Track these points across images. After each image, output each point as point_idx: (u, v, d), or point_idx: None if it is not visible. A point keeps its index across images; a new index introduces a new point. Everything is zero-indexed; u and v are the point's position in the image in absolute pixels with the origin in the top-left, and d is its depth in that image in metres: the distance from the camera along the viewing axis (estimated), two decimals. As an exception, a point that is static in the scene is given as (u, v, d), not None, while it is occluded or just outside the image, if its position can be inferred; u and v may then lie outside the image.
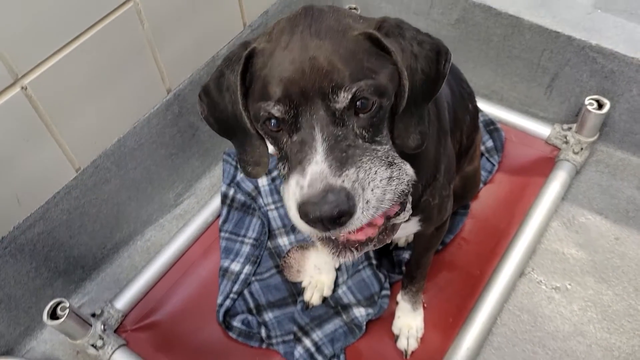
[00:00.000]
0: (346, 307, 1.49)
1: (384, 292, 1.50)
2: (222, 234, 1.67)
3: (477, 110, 1.36)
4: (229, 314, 1.52)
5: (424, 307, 1.49)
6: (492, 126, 1.80)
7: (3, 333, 1.44)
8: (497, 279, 1.50)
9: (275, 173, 1.77)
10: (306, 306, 1.51)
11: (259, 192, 1.74)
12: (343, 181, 0.75)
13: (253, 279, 1.58)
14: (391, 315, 1.48)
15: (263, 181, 1.76)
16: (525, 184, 1.71)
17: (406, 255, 1.56)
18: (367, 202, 0.77)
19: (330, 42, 0.80)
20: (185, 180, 1.79)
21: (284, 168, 0.84)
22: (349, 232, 0.80)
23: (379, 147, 0.82)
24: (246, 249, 1.64)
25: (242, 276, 1.58)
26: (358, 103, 0.79)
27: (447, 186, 1.11)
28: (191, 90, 1.64)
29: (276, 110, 0.79)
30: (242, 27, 1.72)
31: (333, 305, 1.51)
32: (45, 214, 1.40)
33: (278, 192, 1.73)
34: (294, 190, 0.78)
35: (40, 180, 1.35)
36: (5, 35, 1.13)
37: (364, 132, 0.80)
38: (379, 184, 0.78)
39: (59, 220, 1.44)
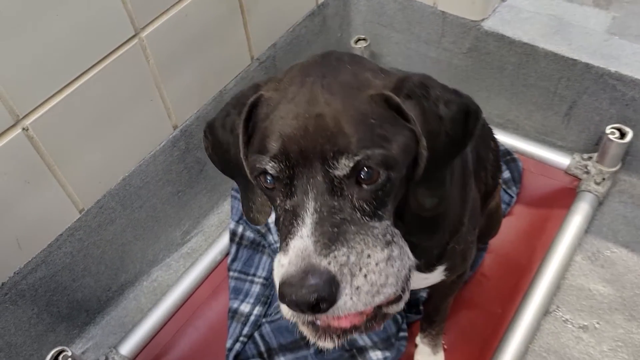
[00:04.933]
0: (362, 350, 1.42)
1: (402, 334, 1.43)
2: (231, 273, 1.61)
3: (498, 147, 1.30)
4: (239, 358, 1.45)
5: (444, 349, 1.41)
6: (508, 156, 1.75)
7: (3, 383, 1.38)
8: (521, 318, 1.43)
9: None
10: (319, 349, 1.43)
11: (269, 229, 1.69)
12: (329, 262, 0.67)
13: (264, 320, 1.51)
14: (409, 358, 1.42)
15: (272, 217, 1.70)
16: (546, 217, 1.65)
17: (424, 293, 1.49)
18: (357, 289, 0.68)
19: (341, 100, 0.73)
20: (193, 218, 1.74)
21: (278, 235, 0.77)
22: (332, 318, 0.72)
23: (377, 224, 0.73)
24: (256, 288, 1.58)
25: (252, 318, 1.51)
26: (362, 173, 0.71)
27: (472, 231, 1.05)
28: (198, 126, 1.60)
29: (270, 167, 0.72)
30: (249, 60, 1.68)
31: (348, 349, 1.43)
32: (47, 258, 1.35)
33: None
34: (277, 270, 0.71)
35: (42, 223, 1.31)
36: (6, 75, 1.10)
37: (364, 205, 0.72)
38: (374, 269, 0.70)
39: (62, 263, 1.39)
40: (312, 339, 0.76)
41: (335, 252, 0.68)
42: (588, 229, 1.61)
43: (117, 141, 1.39)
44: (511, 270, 1.55)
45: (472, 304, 1.50)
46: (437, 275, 1.03)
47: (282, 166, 0.72)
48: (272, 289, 1.56)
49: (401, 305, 0.77)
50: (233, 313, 1.53)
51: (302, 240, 0.68)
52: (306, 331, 0.76)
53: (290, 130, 0.71)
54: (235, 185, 1.80)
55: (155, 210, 1.60)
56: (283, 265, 0.69)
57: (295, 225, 0.70)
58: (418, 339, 1.41)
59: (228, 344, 1.47)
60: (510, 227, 1.63)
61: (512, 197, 1.68)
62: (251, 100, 0.79)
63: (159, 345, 1.51)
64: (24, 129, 1.17)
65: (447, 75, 1.87)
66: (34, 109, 1.18)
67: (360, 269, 0.69)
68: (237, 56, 1.64)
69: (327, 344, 0.75)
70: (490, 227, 1.41)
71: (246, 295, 1.57)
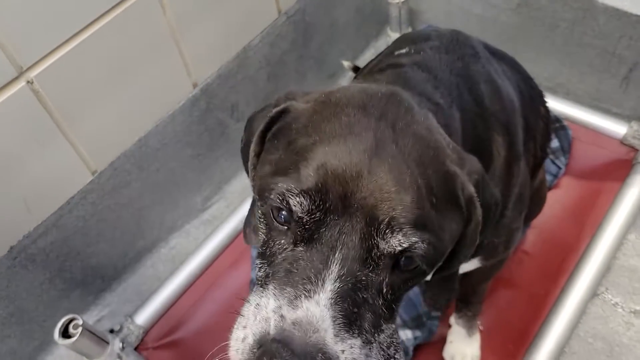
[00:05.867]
0: (390, 329, 1.33)
1: (434, 313, 1.33)
2: (253, 243, 1.53)
3: (549, 113, 1.16)
4: (260, 332, 1.37)
5: (480, 331, 1.32)
6: (557, 124, 1.62)
7: (15, 349, 1.34)
8: (566, 300, 1.34)
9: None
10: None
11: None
12: (343, 351, 0.54)
13: (286, 293, 1.43)
14: (442, 340, 1.33)
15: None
16: (597, 191, 1.52)
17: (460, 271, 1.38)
18: None
19: (415, 157, 0.58)
20: (214, 183, 1.65)
21: (261, 268, 0.64)
22: None
23: (388, 326, 0.61)
24: (279, 259, 1.49)
25: (274, 290, 1.43)
26: (402, 257, 0.58)
27: (517, 218, 0.93)
28: (219, 85, 1.50)
29: (296, 203, 0.57)
30: (276, 14, 1.56)
31: (375, 327, 1.34)
32: (58, 222, 1.28)
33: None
34: (266, 313, 0.56)
35: (52, 185, 1.23)
36: (7, 23, 1.01)
37: (389, 293, 0.59)
38: None
39: (74, 227, 1.32)
40: None
41: (353, 342, 0.55)
42: (644, 205, 1.48)
43: (132, 99, 1.30)
44: (556, 248, 1.45)
45: (512, 284, 1.40)
46: (471, 265, 0.92)
47: (313, 207, 0.56)
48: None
49: None
50: (255, 284, 1.45)
51: (318, 308, 0.54)
52: None
53: (339, 164, 0.57)
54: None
55: (174, 174, 1.52)
56: (284, 318, 0.55)
57: (307, 283, 0.55)
58: (452, 320, 1.31)
59: (248, 317, 1.40)
60: (556, 201, 1.51)
61: (559, 168, 1.55)
62: (279, 109, 0.65)
63: (177, 316, 1.45)
64: (28, 82, 1.08)
65: (492, 34, 1.71)
66: (39, 60, 1.09)
67: None
68: (263, 9, 1.52)
69: None
70: (532, 207, 1.28)
71: (268, 266, 1.49)
